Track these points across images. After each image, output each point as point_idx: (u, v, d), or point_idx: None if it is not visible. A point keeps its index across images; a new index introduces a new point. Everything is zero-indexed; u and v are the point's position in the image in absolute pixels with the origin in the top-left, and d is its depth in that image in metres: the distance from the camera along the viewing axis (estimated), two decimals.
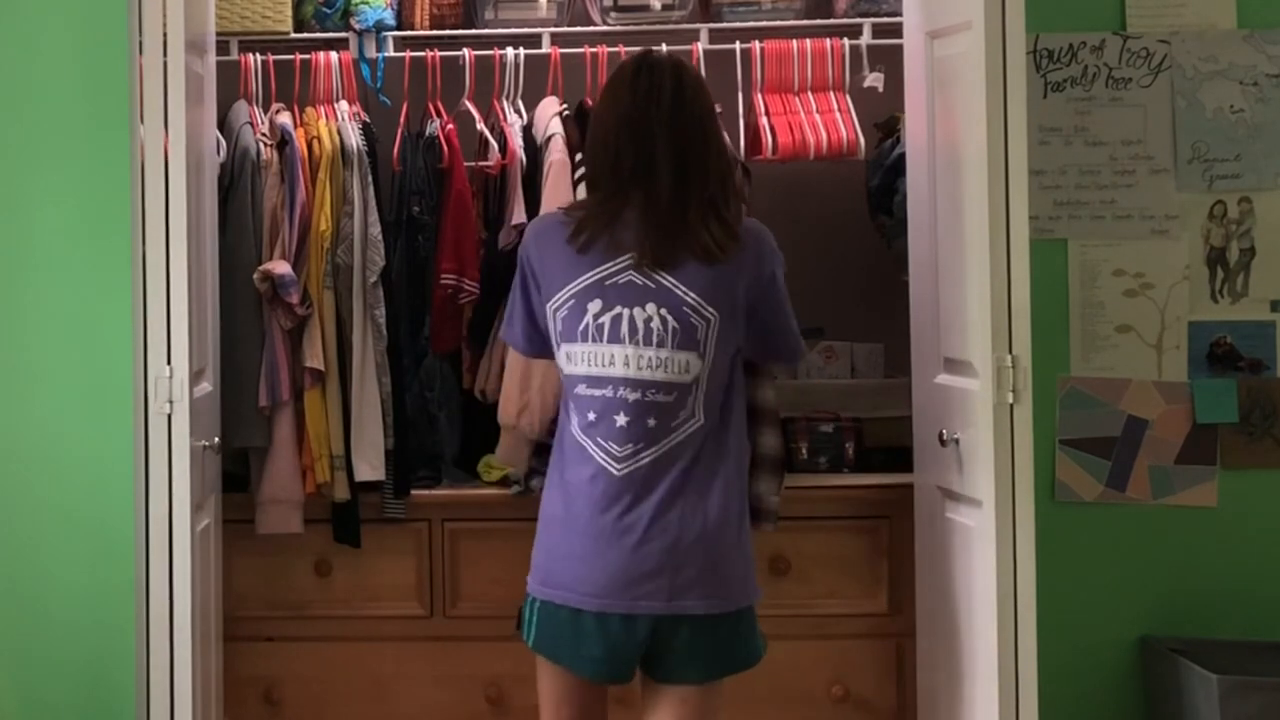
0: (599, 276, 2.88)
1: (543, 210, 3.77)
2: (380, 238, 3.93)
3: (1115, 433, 3.70)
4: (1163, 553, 3.69)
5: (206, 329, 3.59)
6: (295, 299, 3.85)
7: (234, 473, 3.92)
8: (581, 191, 3.68)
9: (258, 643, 3.94)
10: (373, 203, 3.94)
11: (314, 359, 3.89)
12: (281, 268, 3.85)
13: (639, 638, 2.87)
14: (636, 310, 2.85)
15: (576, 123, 3.93)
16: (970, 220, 3.25)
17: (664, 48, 3.98)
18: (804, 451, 4.04)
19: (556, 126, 3.92)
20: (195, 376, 3.35)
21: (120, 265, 3.40)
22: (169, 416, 3.26)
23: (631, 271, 2.86)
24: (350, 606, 3.96)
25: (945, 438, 3.39)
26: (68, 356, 3.48)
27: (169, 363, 3.26)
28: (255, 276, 3.85)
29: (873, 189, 4.15)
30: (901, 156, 3.85)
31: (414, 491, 3.97)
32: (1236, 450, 3.70)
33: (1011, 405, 3.14)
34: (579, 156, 3.80)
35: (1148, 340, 3.71)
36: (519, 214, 3.90)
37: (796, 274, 4.39)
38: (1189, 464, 3.69)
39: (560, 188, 3.82)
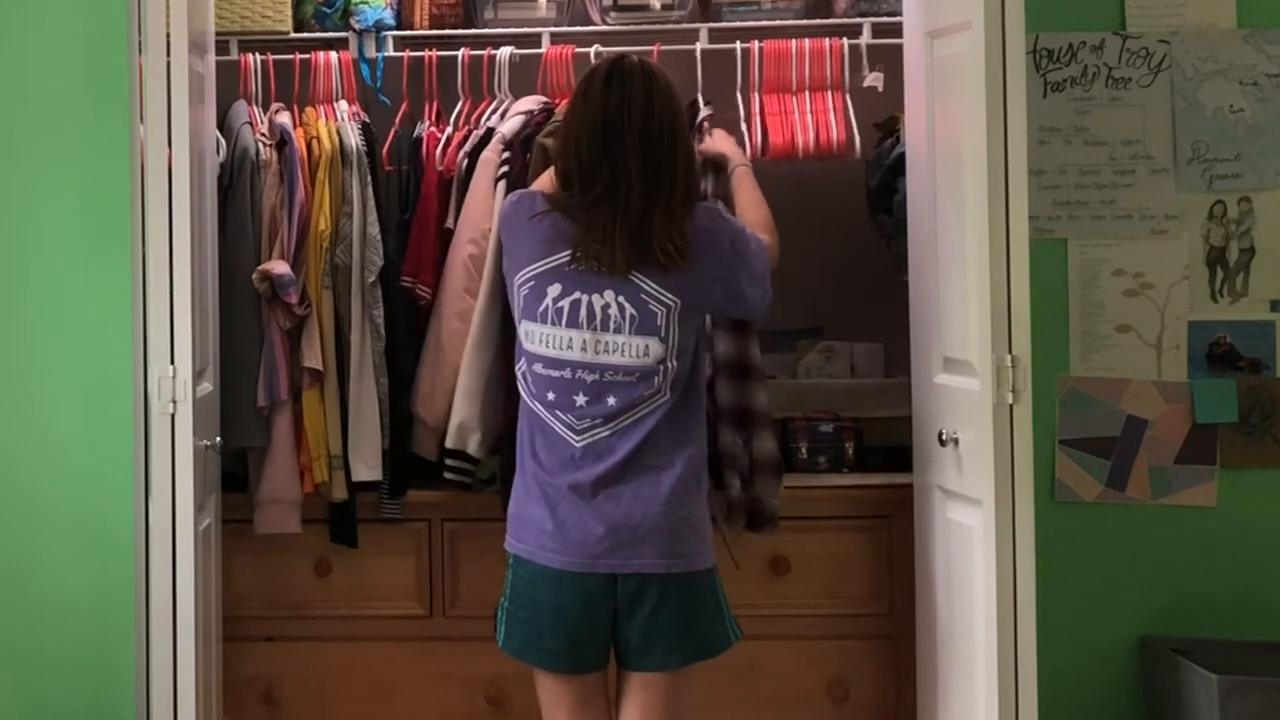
0: (559, 263, 2.99)
1: (465, 205, 3.83)
2: (379, 238, 3.92)
3: (1115, 433, 3.71)
4: (1163, 553, 3.70)
5: (207, 329, 3.59)
6: (294, 299, 3.84)
7: (232, 473, 3.92)
8: (502, 189, 3.74)
9: (258, 643, 3.94)
10: (372, 203, 3.93)
11: (313, 359, 3.88)
12: (280, 268, 3.84)
13: (598, 599, 2.96)
14: (595, 296, 2.97)
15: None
16: (970, 220, 3.25)
17: (657, 48, 4.01)
18: (804, 451, 4.04)
19: (509, 126, 3.90)
20: (196, 376, 3.35)
21: (121, 265, 3.40)
22: (172, 416, 3.27)
23: (589, 259, 2.97)
24: (350, 606, 3.95)
25: (945, 437, 3.40)
26: (68, 356, 3.48)
27: (172, 363, 3.27)
28: (254, 276, 3.84)
29: (873, 189, 4.15)
30: (901, 156, 3.85)
31: (413, 491, 3.96)
32: (1236, 450, 3.70)
33: (1011, 405, 3.14)
34: (507, 154, 3.82)
35: (1147, 340, 3.71)
36: (449, 218, 3.91)
37: (796, 273, 4.42)
38: (1189, 464, 3.70)
39: (481, 184, 3.82)
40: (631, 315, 2.95)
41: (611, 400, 2.97)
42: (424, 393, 3.87)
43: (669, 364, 2.96)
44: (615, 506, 2.95)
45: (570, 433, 2.99)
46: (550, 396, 3.00)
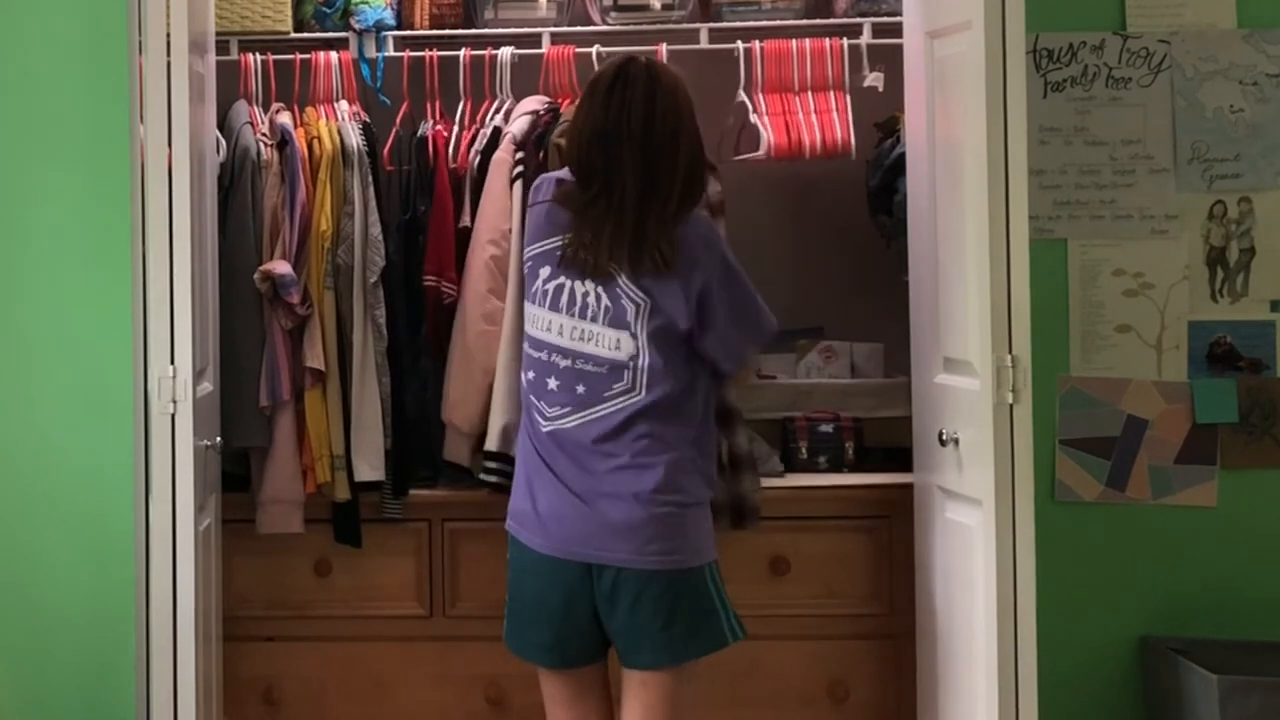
0: (552, 247, 3.03)
1: (481, 208, 3.86)
2: (380, 238, 3.92)
3: (1115, 432, 3.71)
4: (1163, 553, 3.70)
5: (207, 329, 3.59)
6: (296, 299, 3.85)
7: (234, 473, 3.92)
8: (519, 189, 3.76)
9: (258, 643, 3.93)
10: (373, 203, 3.93)
11: (314, 359, 3.88)
12: (282, 268, 3.85)
13: (576, 591, 2.97)
14: (577, 284, 3.00)
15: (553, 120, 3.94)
16: (970, 220, 3.25)
17: (664, 48, 4.01)
18: (804, 451, 4.04)
19: (518, 126, 3.91)
20: (197, 376, 3.35)
21: (121, 265, 3.40)
22: (172, 417, 3.27)
23: (580, 251, 3.00)
24: (350, 606, 3.95)
25: (945, 437, 3.39)
26: (68, 356, 3.48)
27: (172, 363, 3.27)
28: (256, 276, 3.84)
29: (873, 189, 4.15)
30: (901, 156, 3.85)
31: (413, 491, 3.96)
32: (1236, 450, 3.70)
33: (1011, 405, 3.14)
34: (520, 155, 3.84)
35: (1147, 340, 3.71)
36: (465, 216, 3.92)
37: (797, 273, 4.43)
38: (1189, 464, 3.70)
39: (496, 185, 3.84)
40: (606, 307, 2.98)
41: (580, 389, 2.98)
42: (455, 398, 3.85)
43: (641, 360, 2.96)
44: (592, 498, 2.95)
45: (540, 417, 3.02)
46: (530, 376, 3.05)
